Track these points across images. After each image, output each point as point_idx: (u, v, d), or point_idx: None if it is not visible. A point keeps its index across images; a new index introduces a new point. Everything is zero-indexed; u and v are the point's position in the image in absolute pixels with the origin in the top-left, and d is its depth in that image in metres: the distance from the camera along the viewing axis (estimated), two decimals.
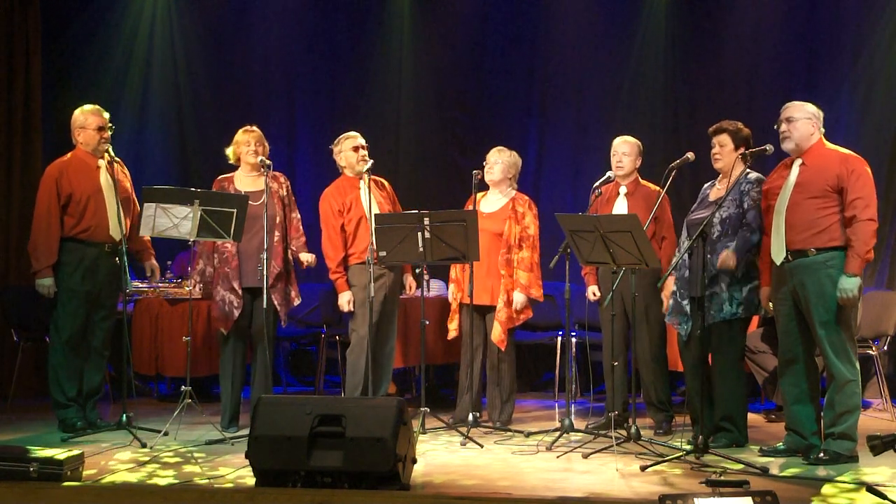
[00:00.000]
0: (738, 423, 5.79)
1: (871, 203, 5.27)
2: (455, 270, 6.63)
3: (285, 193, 6.46)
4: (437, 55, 8.90)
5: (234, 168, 6.48)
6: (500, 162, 6.58)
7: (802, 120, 5.41)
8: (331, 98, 8.95)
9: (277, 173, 6.50)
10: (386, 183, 6.83)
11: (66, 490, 4.55)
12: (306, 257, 6.46)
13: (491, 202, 6.63)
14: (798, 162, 5.44)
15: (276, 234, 6.31)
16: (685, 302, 5.83)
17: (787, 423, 5.57)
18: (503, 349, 6.46)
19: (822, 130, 5.49)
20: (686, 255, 5.70)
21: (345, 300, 6.51)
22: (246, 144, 6.36)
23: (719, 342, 5.74)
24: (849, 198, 5.25)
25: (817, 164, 5.36)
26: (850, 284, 5.21)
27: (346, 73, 8.95)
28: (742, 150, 5.78)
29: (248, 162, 6.37)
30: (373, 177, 6.50)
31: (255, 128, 6.44)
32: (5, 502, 4.35)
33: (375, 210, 6.38)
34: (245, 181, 6.38)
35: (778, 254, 5.43)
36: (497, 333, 6.42)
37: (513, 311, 6.44)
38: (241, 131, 6.42)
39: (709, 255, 5.60)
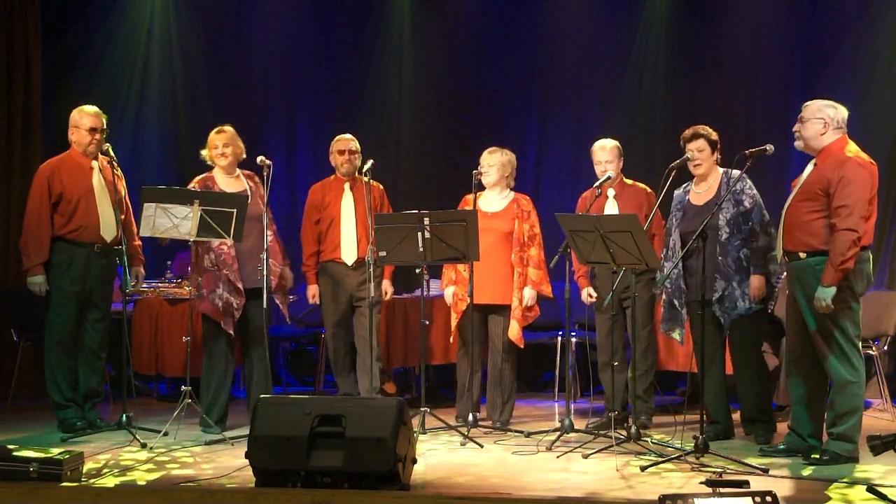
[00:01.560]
0: (769, 413, 5.91)
1: (855, 212, 5.14)
2: (455, 271, 6.62)
3: (264, 193, 6.39)
4: (437, 55, 8.90)
5: (211, 167, 6.43)
6: (494, 164, 6.55)
7: (812, 120, 5.36)
8: (331, 98, 8.95)
9: (252, 173, 6.50)
10: (380, 189, 6.85)
11: (66, 490, 4.54)
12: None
13: (492, 202, 6.61)
14: (812, 161, 5.43)
15: (269, 233, 6.31)
16: (683, 310, 5.86)
17: (789, 423, 5.58)
18: (522, 346, 6.53)
19: (843, 130, 5.37)
20: (681, 262, 5.74)
21: (310, 293, 6.82)
22: (214, 147, 6.34)
23: (739, 339, 5.80)
24: (833, 204, 5.19)
25: (823, 166, 5.33)
26: (823, 294, 5.16)
27: (346, 73, 8.95)
28: (715, 154, 5.91)
29: (219, 165, 6.35)
30: (372, 182, 6.57)
31: (227, 127, 6.40)
32: (5, 502, 4.35)
33: (350, 214, 6.47)
34: (227, 181, 6.35)
35: (778, 252, 5.50)
36: (515, 331, 6.44)
37: (524, 309, 6.46)
38: (212, 132, 6.40)
39: (720, 258, 5.72)
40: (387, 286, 6.86)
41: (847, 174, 5.20)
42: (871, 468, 5.17)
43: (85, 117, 6.24)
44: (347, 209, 6.68)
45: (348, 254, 6.66)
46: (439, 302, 7.23)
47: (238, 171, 6.38)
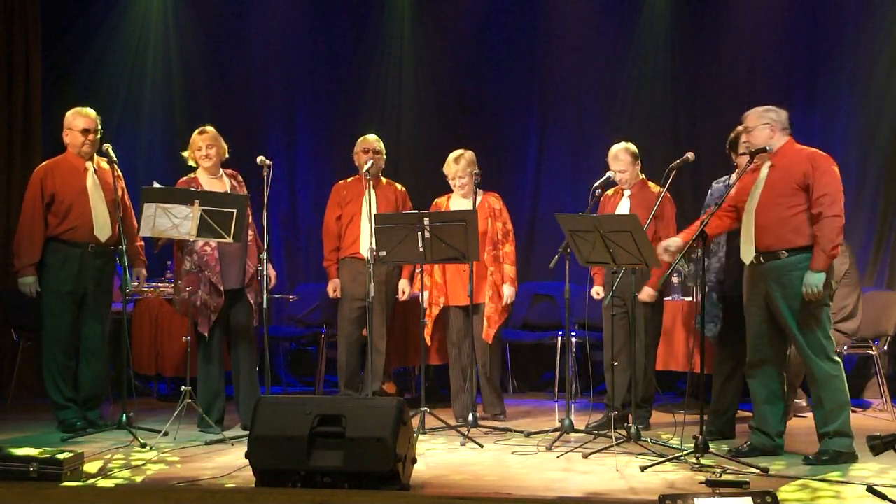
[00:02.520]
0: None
1: (838, 199, 5.27)
2: (429, 275, 6.65)
3: (246, 192, 6.40)
4: (437, 55, 8.89)
5: (193, 168, 6.40)
6: (466, 174, 6.57)
7: (759, 127, 5.44)
8: (331, 98, 8.95)
9: (234, 172, 6.48)
10: (398, 189, 6.86)
11: (66, 490, 4.55)
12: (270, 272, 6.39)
13: (462, 203, 6.63)
14: (767, 164, 5.45)
15: (250, 232, 6.33)
16: (720, 306, 5.92)
17: (755, 423, 5.58)
18: (490, 343, 6.59)
19: (788, 131, 5.46)
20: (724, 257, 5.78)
21: (331, 287, 6.89)
22: (197, 148, 6.30)
23: None
24: (815, 194, 5.27)
25: (785, 164, 5.37)
26: (814, 280, 5.24)
27: (346, 74, 8.95)
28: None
29: (203, 166, 6.32)
30: (391, 181, 6.61)
31: (208, 128, 6.37)
32: (5, 502, 4.35)
33: (372, 210, 6.45)
34: (211, 182, 6.33)
35: (747, 254, 5.45)
36: (486, 329, 6.56)
37: (502, 306, 6.58)
38: (194, 133, 6.37)
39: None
40: (404, 285, 6.88)
41: (821, 164, 5.32)
42: (867, 466, 5.20)
43: (78, 119, 6.25)
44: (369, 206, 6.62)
45: (367, 249, 6.58)
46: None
47: (221, 170, 6.37)
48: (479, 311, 6.58)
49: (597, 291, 6.58)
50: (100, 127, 6.30)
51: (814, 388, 5.41)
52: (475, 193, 6.42)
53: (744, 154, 5.65)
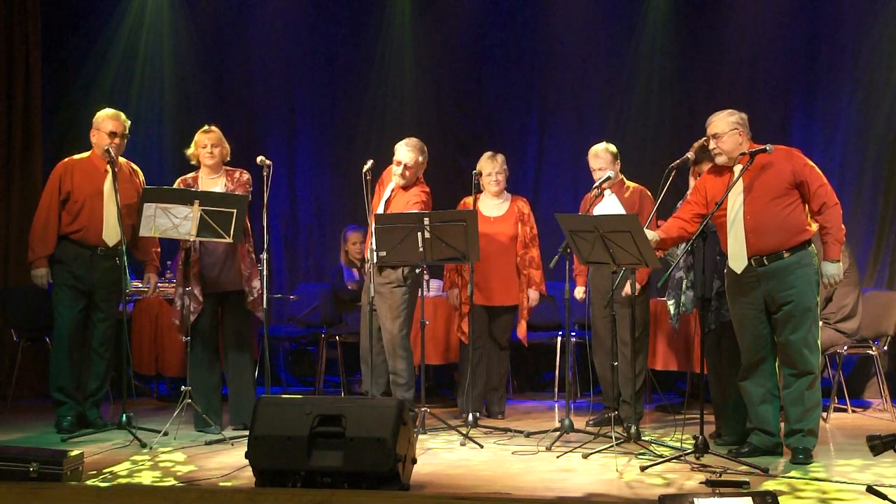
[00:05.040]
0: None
1: (830, 188, 5.38)
2: (458, 273, 6.73)
3: (247, 192, 6.35)
4: (437, 56, 8.90)
5: (194, 167, 6.40)
6: (500, 170, 6.70)
7: (729, 132, 5.42)
8: (331, 99, 8.96)
9: (232, 170, 6.41)
10: (414, 192, 6.54)
11: (66, 490, 4.55)
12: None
13: (493, 206, 6.76)
14: (739, 168, 5.41)
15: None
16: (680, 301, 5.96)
17: (753, 423, 5.55)
18: (526, 345, 6.91)
19: (749, 133, 5.47)
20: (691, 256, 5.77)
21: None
22: (202, 146, 6.30)
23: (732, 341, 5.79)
24: (812, 188, 5.32)
25: (764, 165, 5.34)
26: (835, 270, 5.36)
27: (347, 75, 8.95)
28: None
29: (205, 164, 6.32)
30: (422, 181, 6.58)
31: (213, 128, 6.37)
32: (5, 502, 4.35)
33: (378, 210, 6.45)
34: (207, 182, 6.33)
35: (738, 263, 5.40)
36: (523, 329, 6.75)
37: (528, 309, 6.74)
38: (199, 132, 6.36)
39: (718, 257, 5.71)
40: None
41: (801, 158, 5.40)
42: (852, 462, 5.25)
43: (107, 121, 6.27)
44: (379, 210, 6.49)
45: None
46: (439, 302, 7.25)
47: (223, 170, 6.36)
48: (505, 313, 6.72)
49: (580, 292, 6.70)
50: (127, 132, 6.31)
51: (796, 384, 5.38)
52: (474, 192, 6.45)
53: (713, 157, 5.55)
